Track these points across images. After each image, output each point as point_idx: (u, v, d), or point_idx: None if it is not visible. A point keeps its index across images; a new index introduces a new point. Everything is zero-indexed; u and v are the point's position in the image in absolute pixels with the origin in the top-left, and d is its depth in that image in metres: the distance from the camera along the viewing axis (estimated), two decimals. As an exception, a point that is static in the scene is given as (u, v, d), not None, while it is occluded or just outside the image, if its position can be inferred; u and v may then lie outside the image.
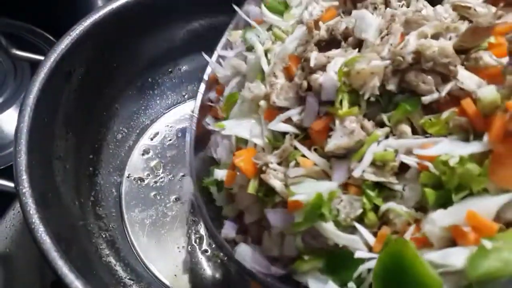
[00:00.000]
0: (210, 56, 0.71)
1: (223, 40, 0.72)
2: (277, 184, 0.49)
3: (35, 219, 0.58)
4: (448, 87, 0.44)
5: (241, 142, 0.57)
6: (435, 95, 0.44)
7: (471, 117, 0.42)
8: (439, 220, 0.41)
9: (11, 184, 0.63)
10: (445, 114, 0.44)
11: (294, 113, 0.51)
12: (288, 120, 0.52)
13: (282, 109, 0.53)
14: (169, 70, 0.95)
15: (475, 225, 0.39)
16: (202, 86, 0.70)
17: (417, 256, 0.39)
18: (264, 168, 0.50)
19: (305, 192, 0.46)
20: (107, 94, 0.86)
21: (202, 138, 0.65)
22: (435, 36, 0.47)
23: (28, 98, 0.66)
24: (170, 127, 0.93)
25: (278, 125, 0.52)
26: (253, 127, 0.56)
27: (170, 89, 0.97)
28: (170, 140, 0.91)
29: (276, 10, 0.68)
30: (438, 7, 0.52)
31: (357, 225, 0.45)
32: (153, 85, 0.95)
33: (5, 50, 0.82)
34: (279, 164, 0.51)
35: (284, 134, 0.52)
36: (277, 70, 0.56)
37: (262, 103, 0.55)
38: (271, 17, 0.67)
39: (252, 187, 0.51)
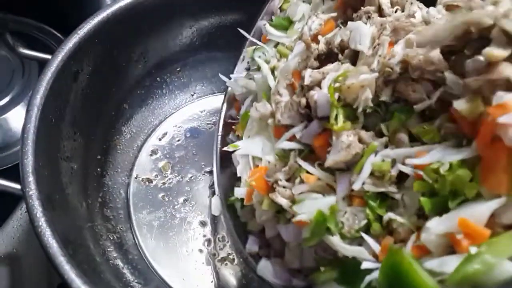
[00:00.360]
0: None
1: (241, 58, 0.74)
2: (283, 202, 0.51)
3: (42, 222, 0.57)
4: (437, 93, 0.44)
5: (258, 160, 0.59)
6: (427, 103, 0.44)
7: (460, 123, 0.42)
8: (434, 228, 0.41)
9: (18, 186, 0.62)
10: (438, 121, 0.44)
11: (297, 131, 0.53)
12: (294, 137, 0.54)
13: (288, 127, 0.54)
14: (178, 69, 0.94)
15: (467, 232, 0.39)
16: (225, 104, 0.73)
17: (412, 265, 0.40)
18: (274, 185, 0.52)
19: (306, 211, 0.48)
20: (115, 94, 0.85)
21: (228, 154, 0.67)
22: None
23: (35, 98, 0.65)
24: (179, 127, 0.92)
25: (284, 144, 0.54)
26: (264, 144, 0.59)
27: (178, 88, 0.95)
28: (178, 140, 0.90)
29: (281, 26, 0.69)
30: (431, 9, 0.52)
31: (364, 235, 0.46)
32: (162, 84, 0.93)
33: (12, 48, 0.81)
34: (288, 180, 0.52)
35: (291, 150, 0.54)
36: (281, 88, 0.57)
37: (270, 121, 0.57)
38: (274, 34, 0.69)
39: (266, 204, 0.53)
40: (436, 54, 0.43)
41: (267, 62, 0.66)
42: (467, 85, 0.40)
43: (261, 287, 0.74)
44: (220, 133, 0.71)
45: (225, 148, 0.66)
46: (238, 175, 0.62)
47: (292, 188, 0.51)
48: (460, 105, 0.40)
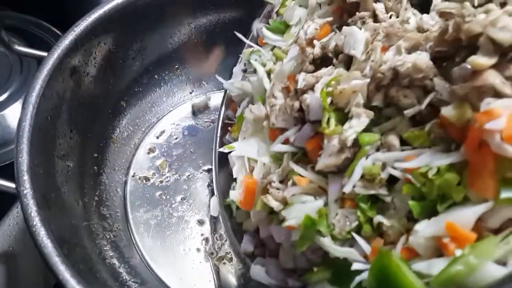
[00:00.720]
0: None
1: (239, 60, 0.74)
2: (274, 205, 0.51)
3: (36, 221, 0.56)
4: (427, 99, 0.44)
5: (253, 161, 0.60)
6: (417, 108, 0.44)
7: (448, 129, 0.42)
8: (422, 231, 0.42)
9: (13, 185, 0.61)
10: (427, 126, 0.44)
11: (291, 134, 0.54)
12: (288, 140, 0.54)
13: (283, 129, 0.55)
14: (176, 66, 0.94)
15: (454, 236, 0.40)
16: (223, 105, 0.74)
17: (400, 267, 0.40)
18: (268, 187, 0.53)
19: (295, 215, 0.49)
20: (112, 91, 0.84)
21: (225, 154, 0.67)
22: (415, 48, 0.47)
23: (31, 96, 0.65)
24: (176, 125, 0.91)
25: (278, 146, 0.55)
26: (259, 146, 0.59)
27: (176, 86, 0.95)
28: (176, 138, 0.89)
29: (277, 30, 0.69)
30: (425, 15, 0.52)
31: (355, 236, 0.47)
32: (159, 82, 0.93)
33: (8, 45, 0.80)
34: (282, 182, 0.53)
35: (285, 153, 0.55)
36: (276, 91, 0.58)
37: (265, 124, 0.58)
38: (271, 37, 0.69)
39: (259, 205, 0.54)
40: (424, 61, 0.43)
41: (263, 65, 0.66)
42: (454, 92, 0.41)
43: (259, 286, 0.73)
44: (218, 134, 0.71)
45: (220, 150, 0.66)
46: (234, 176, 0.62)
47: (284, 190, 0.52)
48: (447, 111, 0.41)
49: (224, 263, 0.75)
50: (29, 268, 0.77)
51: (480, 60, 0.39)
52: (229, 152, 0.64)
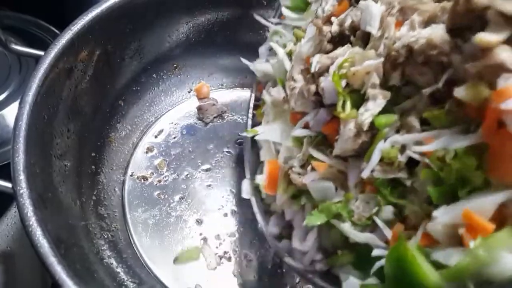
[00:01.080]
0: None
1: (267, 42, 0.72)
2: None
3: (33, 221, 0.56)
4: (444, 77, 0.41)
5: (279, 144, 0.59)
6: (434, 86, 0.42)
7: (466, 108, 0.39)
8: (440, 217, 0.40)
9: (9, 185, 0.61)
10: (447, 106, 0.42)
11: (310, 118, 0.52)
12: (308, 124, 0.53)
13: (304, 113, 0.54)
14: (174, 65, 0.93)
15: (470, 225, 0.38)
16: (254, 86, 0.73)
17: (416, 258, 0.38)
18: (289, 171, 0.53)
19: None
20: (110, 90, 0.84)
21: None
22: (431, 20, 0.44)
23: (27, 95, 0.64)
24: (175, 124, 0.91)
25: (297, 131, 0.54)
26: (283, 130, 0.59)
27: (175, 85, 0.94)
28: (174, 138, 0.89)
29: (298, 7, 0.67)
30: None
31: (377, 220, 0.46)
32: (158, 81, 0.92)
33: (5, 45, 0.80)
34: (303, 166, 0.53)
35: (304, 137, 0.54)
36: (295, 73, 0.55)
37: (286, 107, 0.57)
38: (290, 16, 0.67)
39: (281, 189, 0.54)
40: (439, 35, 0.40)
41: (284, 46, 0.64)
42: (466, 70, 0.38)
43: (258, 285, 0.73)
44: (250, 118, 0.71)
45: (244, 134, 0.65)
46: (261, 159, 0.62)
47: (304, 176, 0.51)
48: (459, 92, 0.38)
49: (222, 263, 0.75)
50: (27, 268, 0.76)
51: (487, 37, 0.36)
52: (253, 136, 0.63)
